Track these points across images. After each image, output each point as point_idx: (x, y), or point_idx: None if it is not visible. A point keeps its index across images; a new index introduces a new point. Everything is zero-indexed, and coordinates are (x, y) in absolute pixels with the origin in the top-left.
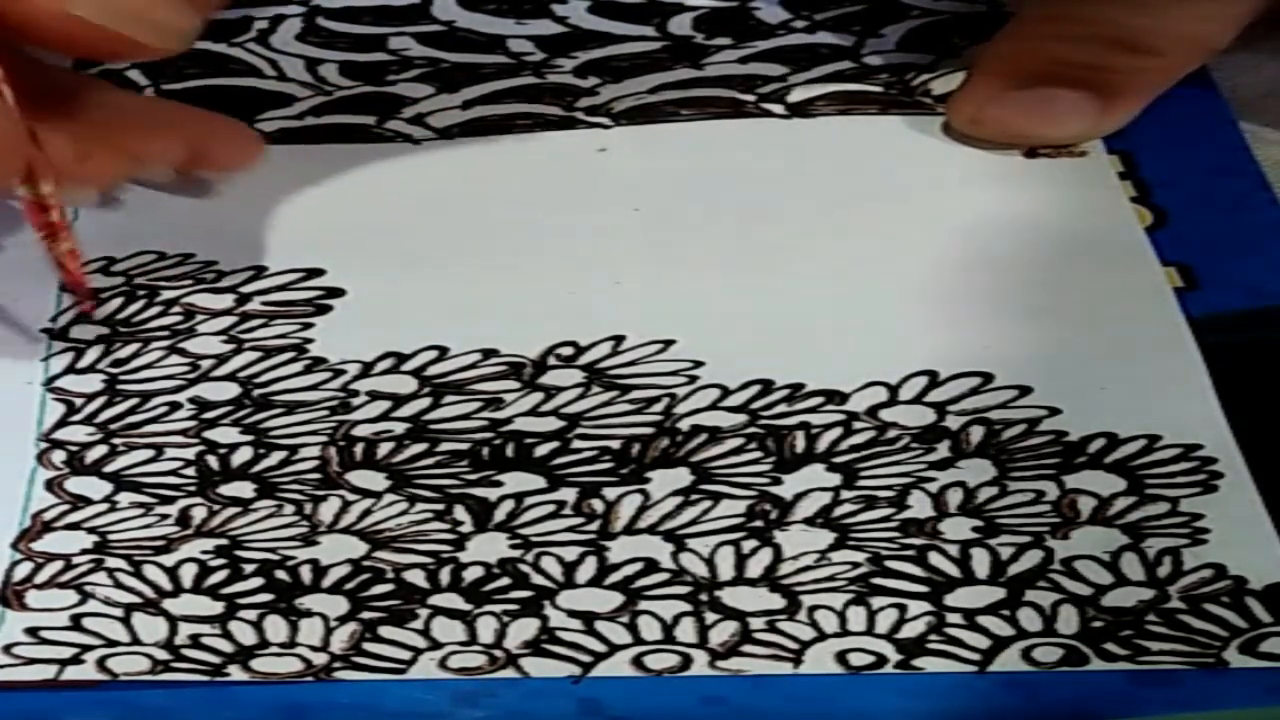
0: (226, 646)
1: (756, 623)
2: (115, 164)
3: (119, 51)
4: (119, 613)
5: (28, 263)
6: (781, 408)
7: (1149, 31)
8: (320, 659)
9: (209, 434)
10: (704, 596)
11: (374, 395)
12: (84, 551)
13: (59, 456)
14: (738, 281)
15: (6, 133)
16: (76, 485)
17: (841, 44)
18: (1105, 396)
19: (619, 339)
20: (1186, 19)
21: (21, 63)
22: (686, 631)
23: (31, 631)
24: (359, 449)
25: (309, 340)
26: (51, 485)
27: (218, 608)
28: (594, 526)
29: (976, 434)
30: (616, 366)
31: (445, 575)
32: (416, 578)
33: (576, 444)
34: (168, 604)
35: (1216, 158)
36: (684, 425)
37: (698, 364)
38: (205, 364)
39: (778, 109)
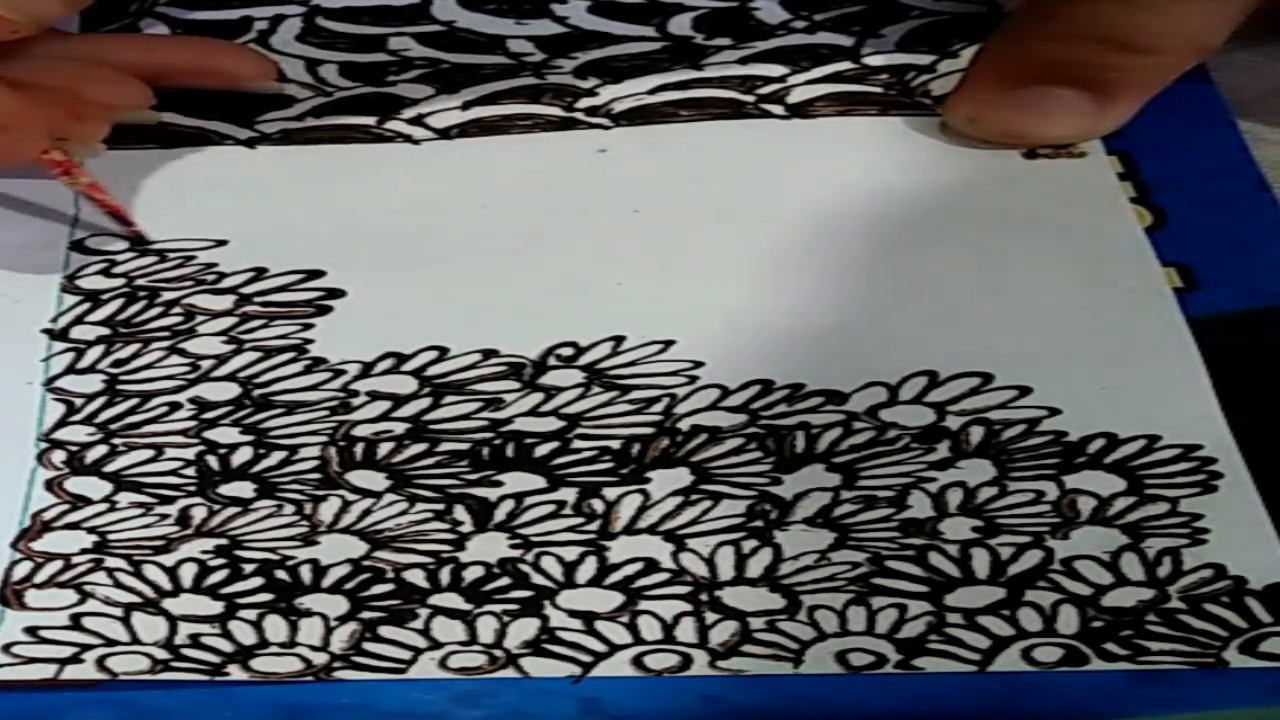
0: (226, 646)
1: (756, 623)
2: (104, 118)
3: None
4: (119, 612)
5: (28, 263)
6: (781, 408)
7: (1144, 30)
8: (320, 659)
9: (209, 434)
10: (704, 596)
11: (374, 395)
12: (84, 551)
13: (59, 456)
14: (737, 281)
15: (32, 116)
16: (76, 485)
17: (841, 44)
18: (1105, 396)
19: (619, 339)
20: (1181, 17)
21: None
22: (686, 631)
23: (31, 631)
24: (359, 449)
25: (309, 341)
26: (51, 485)
27: (217, 607)
28: (594, 526)
29: (976, 434)
30: (616, 367)
31: (445, 575)
32: (416, 577)
33: (576, 444)
34: (167, 603)
35: (1216, 158)
36: (684, 425)
37: (698, 364)
38: (205, 364)
39: (778, 109)
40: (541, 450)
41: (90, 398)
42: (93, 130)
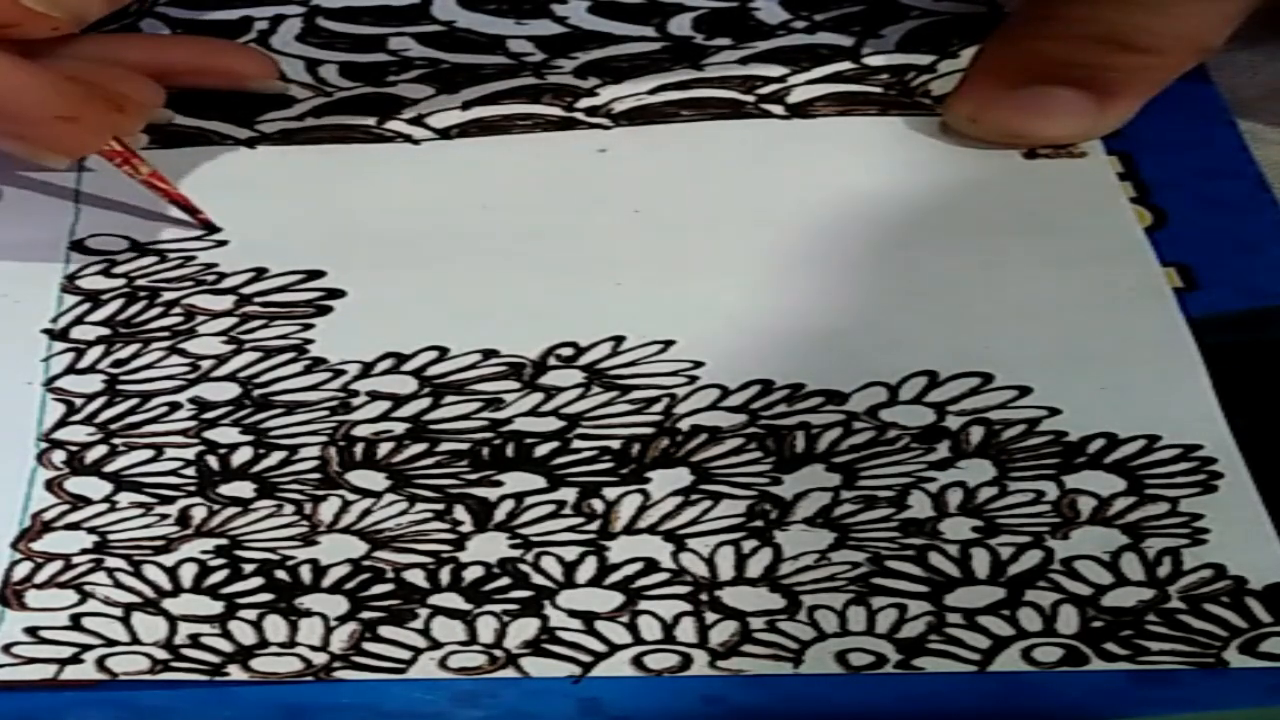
0: (226, 646)
1: (756, 623)
2: (141, 112)
3: (19, 21)
4: (119, 612)
5: (28, 264)
6: (781, 408)
7: (1145, 30)
8: (320, 659)
9: (209, 434)
10: (704, 596)
11: (374, 395)
12: (84, 551)
13: (59, 456)
14: (737, 281)
15: (95, 109)
16: (76, 485)
17: (841, 44)
18: (1105, 396)
19: (619, 339)
20: (1182, 17)
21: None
22: (686, 631)
23: (31, 631)
24: (359, 449)
25: (309, 341)
26: (51, 485)
27: (217, 607)
28: (594, 526)
29: (976, 434)
30: (616, 367)
31: (445, 575)
32: (416, 577)
33: (576, 444)
34: (167, 603)
35: (1216, 158)
36: (684, 425)
37: (698, 364)
38: (205, 364)
39: (778, 109)
40: (541, 450)
41: (90, 398)
42: (134, 123)
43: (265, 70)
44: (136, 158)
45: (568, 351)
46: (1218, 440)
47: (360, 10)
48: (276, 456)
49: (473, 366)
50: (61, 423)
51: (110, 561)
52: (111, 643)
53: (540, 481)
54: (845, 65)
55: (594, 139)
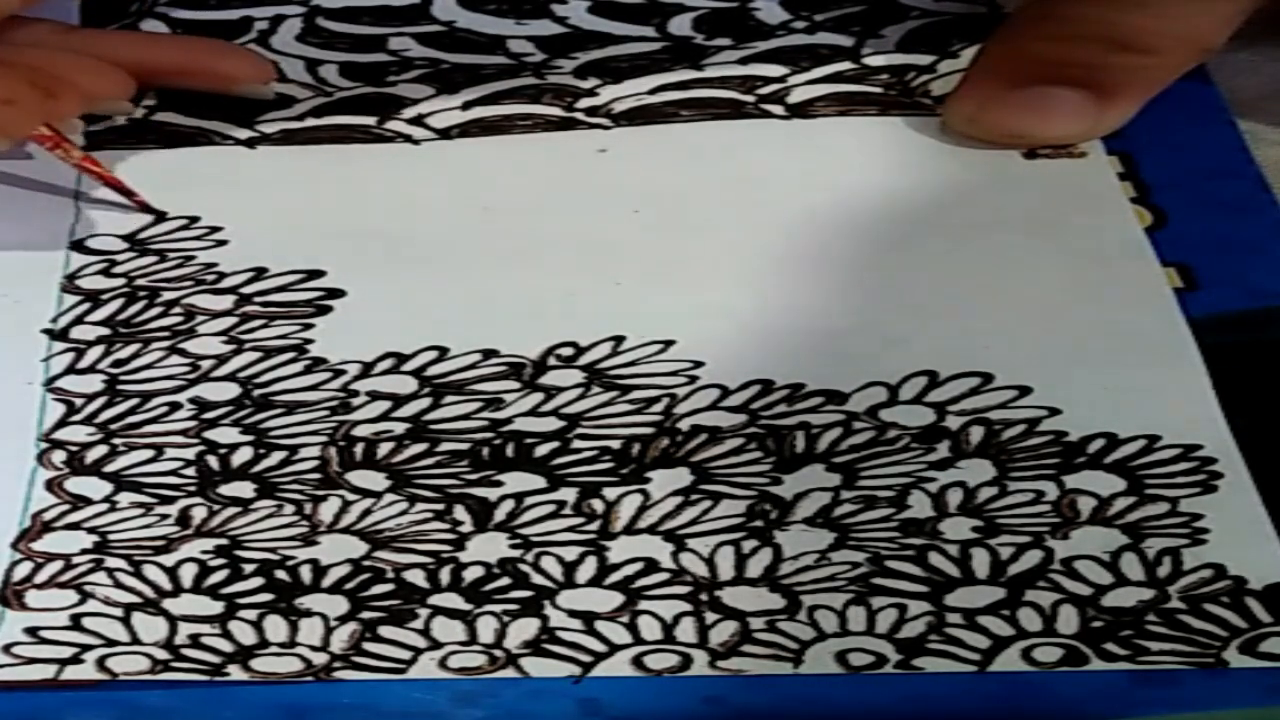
0: (226, 646)
1: (756, 623)
2: (77, 96)
3: None
4: (119, 612)
5: (28, 264)
6: (781, 408)
7: (1145, 30)
8: (320, 659)
9: (209, 434)
10: (704, 596)
11: (374, 395)
12: (84, 551)
13: (59, 456)
14: (737, 281)
15: (28, 93)
16: (76, 485)
17: (841, 44)
18: (1105, 396)
19: (619, 339)
20: (1182, 18)
21: None
22: (686, 631)
23: (31, 631)
24: (359, 449)
25: (309, 341)
26: (51, 485)
27: (217, 607)
28: (594, 526)
29: (976, 434)
30: (616, 367)
31: (445, 575)
32: (416, 578)
33: (576, 444)
34: (167, 604)
35: (1216, 158)
36: (684, 425)
37: (698, 364)
38: (205, 364)
39: (778, 109)
40: (541, 450)
41: (90, 398)
42: (65, 106)
43: (257, 74)
44: (67, 142)
45: (568, 351)
46: (1218, 440)
47: (360, 10)
48: (276, 456)
49: (473, 366)
50: (61, 423)
51: (110, 561)
52: (112, 643)
53: (540, 481)
54: (845, 65)
55: (594, 139)
